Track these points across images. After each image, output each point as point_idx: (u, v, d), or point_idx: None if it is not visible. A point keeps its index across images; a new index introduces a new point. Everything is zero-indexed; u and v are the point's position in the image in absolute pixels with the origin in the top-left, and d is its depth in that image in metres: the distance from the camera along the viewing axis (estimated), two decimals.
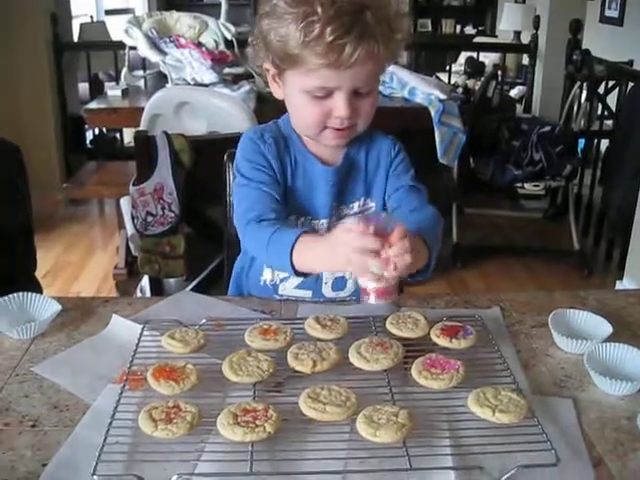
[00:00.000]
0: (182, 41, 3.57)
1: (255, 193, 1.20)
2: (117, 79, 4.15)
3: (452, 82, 4.57)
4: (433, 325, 1.09)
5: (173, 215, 2.07)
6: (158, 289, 2.22)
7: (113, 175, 3.39)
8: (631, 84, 3.74)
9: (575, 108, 3.77)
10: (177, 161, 2.03)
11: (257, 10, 1.16)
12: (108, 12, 6.79)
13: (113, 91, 3.66)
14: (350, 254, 0.97)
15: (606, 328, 1.09)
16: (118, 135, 4.76)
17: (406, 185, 1.27)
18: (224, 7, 4.18)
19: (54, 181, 4.09)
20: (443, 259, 3.53)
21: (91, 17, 6.40)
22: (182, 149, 2.03)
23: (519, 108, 4.99)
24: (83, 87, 4.71)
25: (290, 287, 1.30)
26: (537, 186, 3.53)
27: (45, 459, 0.82)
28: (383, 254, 0.96)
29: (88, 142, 4.88)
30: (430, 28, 8.32)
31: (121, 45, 3.79)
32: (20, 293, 1.16)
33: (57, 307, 1.14)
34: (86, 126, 4.60)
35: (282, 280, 1.30)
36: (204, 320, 1.13)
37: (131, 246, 2.90)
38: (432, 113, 3.30)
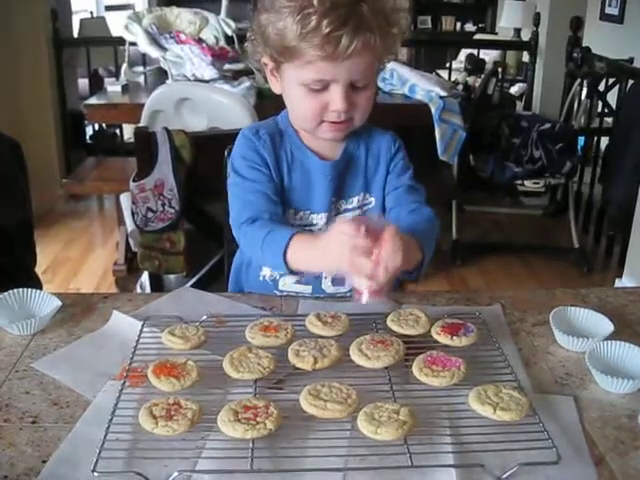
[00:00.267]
0: (182, 37, 3.56)
1: (249, 193, 1.20)
2: (117, 75, 4.14)
3: (452, 79, 4.57)
4: (434, 322, 1.09)
5: (173, 211, 2.06)
6: (158, 285, 2.21)
7: (113, 171, 3.38)
8: (631, 82, 3.73)
9: (575, 105, 3.77)
10: (177, 157, 2.03)
11: (256, 5, 1.17)
12: (108, 8, 6.78)
13: (113, 87, 3.65)
14: (342, 253, 0.97)
15: (607, 326, 1.09)
16: (118, 131, 4.75)
17: (405, 185, 1.27)
18: (224, 3, 4.17)
19: (54, 177, 4.09)
20: (443, 256, 3.53)
21: (91, 13, 6.40)
22: (183, 145, 2.03)
23: (519, 105, 4.99)
24: (83, 83, 4.71)
25: (290, 282, 1.30)
26: (537, 183, 3.52)
27: (45, 455, 0.82)
28: (375, 253, 0.96)
29: (88, 138, 4.88)
30: (430, 25, 8.32)
31: (121, 41, 3.78)
32: (20, 289, 1.16)
33: (57, 303, 1.14)
34: (86, 122, 4.61)
35: (282, 275, 1.30)
36: (205, 316, 1.13)
37: (131, 242, 2.90)
38: (432, 110, 3.29)
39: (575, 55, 3.96)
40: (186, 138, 2.03)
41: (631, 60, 4.77)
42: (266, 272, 1.31)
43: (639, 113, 3.45)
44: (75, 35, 4.98)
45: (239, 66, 3.53)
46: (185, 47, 3.44)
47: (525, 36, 5.57)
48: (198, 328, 1.07)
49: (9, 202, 1.75)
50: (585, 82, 3.68)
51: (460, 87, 4.04)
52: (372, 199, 1.29)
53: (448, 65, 4.84)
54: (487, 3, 8.35)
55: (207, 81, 3.28)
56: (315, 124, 1.18)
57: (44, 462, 0.81)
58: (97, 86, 4.35)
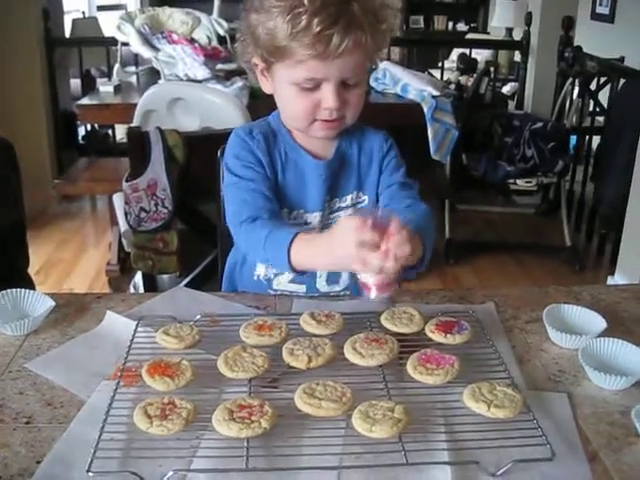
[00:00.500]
0: (175, 37, 3.55)
1: (245, 192, 1.20)
2: (109, 75, 4.13)
3: (444, 78, 4.57)
4: (428, 320, 1.09)
5: (166, 211, 2.06)
6: (151, 285, 2.21)
7: (105, 171, 3.37)
8: (622, 80, 3.75)
9: (567, 104, 3.78)
10: (170, 157, 2.02)
11: (245, 6, 1.17)
12: (100, 8, 6.76)
13: (105, 87, 3.64)
14: (349, 249, 0.97)
15: (600, 323, 1.09)
16: (110, 131, 4.73)
17: (398, 182, 1.27)
18: (217, 3, 4.17)
19: (46, 178, 4.07)
20: (436, 255, 3.53)
21: (83, 13, 6.37)
22: (176, 145, 2.02)
23: (511, 104, 5.01)
24: (75, 83, 4.69)
25: (284, 281, 1.30)
26: (529, 182, 3.53)
27: (39, 456, 0.82)
28: (382, 246, 0.96)
29: (80, 138, 4.86)
30: (422, 25, 8.34)
31: (113, 41, 3.77)
32: (13, 289, 1.16)
33: (50, 303, 1.14)
34: (78, 122, 4.59)
35: (276, 275, 1.29)
36: (199, 316, 1.13)
37: (124, 242, 2.89)
38: (425, 109, 3.30)
39: (567, 54, 3.97)
40: (179, 138, 2.03)
41: (622, 59, 4.80)
42: (260, 271, 1.31)
43: (630, 112, 3.47)
44: (67, 35, 4.96)
45: (231, 66, 3.52)
46: (177, 47, 3.43)
47: (517, 35, 5.58)
48: (192, 327, 1.07)
49: (1, 203, 1.74)
50: (577, 81, 3.69)
51: (452, 86, 4.04)
52: (365, 197, 1.29)
53: (440, 65, 4.84)
54: (479, 3, 8.37)
55: (200, 81, 3.28)
56: (307, 123, 1.19)
57: (38, 462, 0.81)
58: (89, 86, 4.34)
